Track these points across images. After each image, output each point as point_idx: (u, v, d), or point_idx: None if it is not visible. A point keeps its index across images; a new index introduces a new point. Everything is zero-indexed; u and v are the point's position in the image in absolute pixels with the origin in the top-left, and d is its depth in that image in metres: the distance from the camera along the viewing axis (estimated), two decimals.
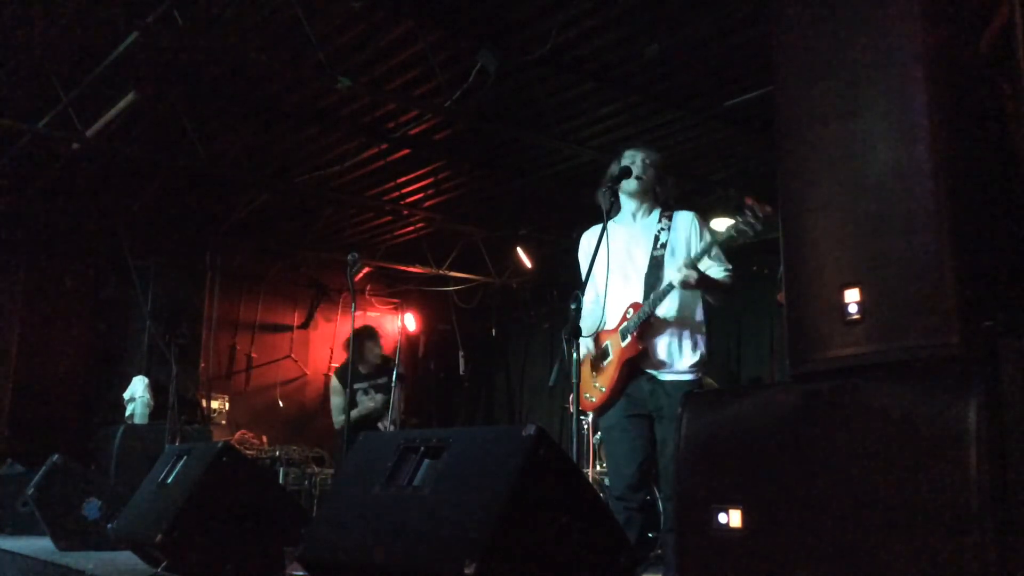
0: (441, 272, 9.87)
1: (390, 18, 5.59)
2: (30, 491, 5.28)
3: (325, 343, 10.59)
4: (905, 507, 1.59)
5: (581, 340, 3.40)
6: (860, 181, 1.85)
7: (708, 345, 3.60)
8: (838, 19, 1.93)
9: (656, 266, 3.48)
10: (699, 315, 3.57)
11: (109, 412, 8.08)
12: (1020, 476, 1.52)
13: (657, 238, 3.54)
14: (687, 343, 3.48)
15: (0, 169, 7.50)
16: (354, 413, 6.13)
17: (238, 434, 8.91)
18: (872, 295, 1.80)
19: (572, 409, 3.12)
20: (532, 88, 6.35)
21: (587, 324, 3.52)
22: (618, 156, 3.65)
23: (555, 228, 8.95)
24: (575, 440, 3.50)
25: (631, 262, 3.55)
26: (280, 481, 7.31)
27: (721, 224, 3.46)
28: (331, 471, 7.50)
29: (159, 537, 3.55)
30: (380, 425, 6.32)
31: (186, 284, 9.03)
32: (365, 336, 6.59)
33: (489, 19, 5.58)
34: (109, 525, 4.68)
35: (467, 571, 1.97)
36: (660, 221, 3.58)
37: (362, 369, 6.35)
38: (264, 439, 8.95)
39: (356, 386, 6.24)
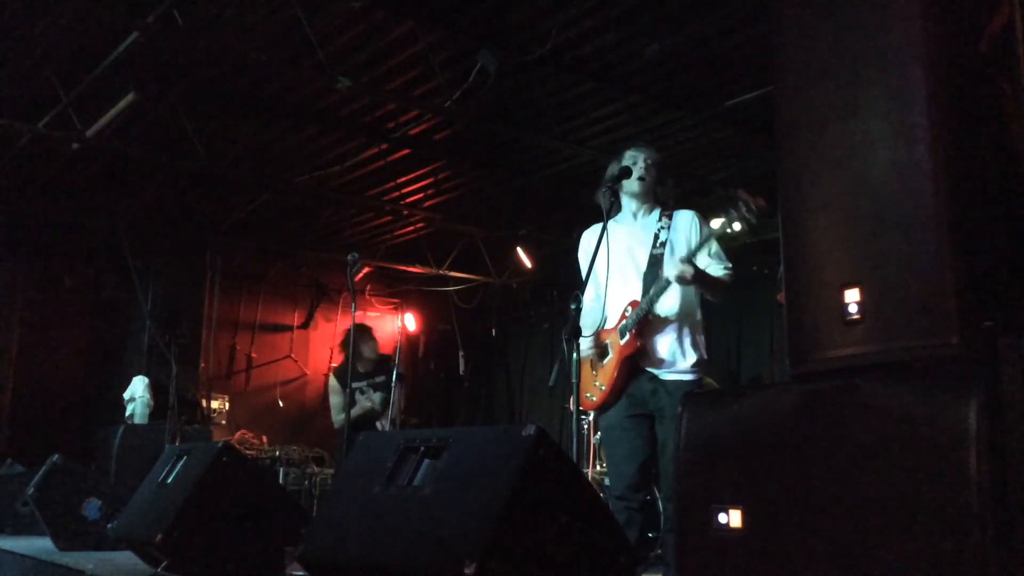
0: (441, 272, 9.87)
1: (390, 18, 5.59)
2: (30, 491, 5.28)
3: (325, 343, 10.59)
4: (905, 507, 1.59)
5: (582, 339, 3.41)
6: (860, 181, 1.85)
7: (708, 345, 3.60)
8: (838, 19, 1.93)
9: (655, 264, 3.49)
10: (699, 315, 3.58)
11: (109, 412, 8.08)
12: (1020, 476, 1.52)
13: (657, 236, 3.55)
14: (688, 342, 3.48)
15: (0, 169, 7.50)
16: (352, 413, 6.13)
17: (238, 434, 8.92)
18: (872, 295, 1.80)
19: (572, 409, 3.12)
20: (532, 88, 6.35)
21: (587, 323, 3.52)
22: (618, 156, 3.65)
23: (555, 228, 8.95)
24: (575, 440, 3.51)
25: (631, 261, 3.56)
26: (280, 481, 7.31)
27: (718, 221, 3.46)
28: (331, 471, 7.50)
29: (159, 537, 3.55)
30: (378, 424, 6.31)
31: (186, 284, 9.03)
32: (358, 334, 6.58)
33: (489, 19, 5.58)
34: (109, 525, 4.68)
35: (467, 571, 1.97)
36: (660, 220, 3.59)
37: (359, 368, 6.34)
38: (264, 439, 8.95)
39: (354, 385, 6.24)
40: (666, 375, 3.44)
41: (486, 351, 10.99)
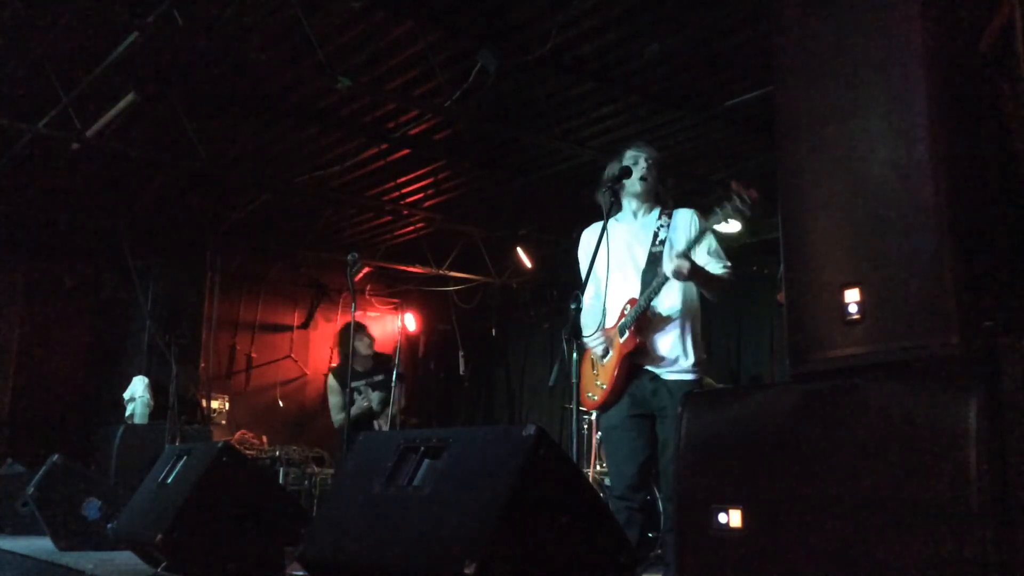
0: (441, 272, 9.87)
1: (390, 18, 5.59)
2: (30, 491, 5.28)
3: (325, 343, 10.58)
4: (905, 507, 1.59)
5: (589, 337, 3.41)
6: (860, 181, 1.85)
7: (708, 344, 3.60)
8: (838, 19, 1.94)
9: (654, 262, 3.49)
10: (699, 312, 3.58)
11: (109, 412, 8.08)
12: (1020, 476, 1.52)
13: (656, 234, 3.55)
14: (688, 341, 3.48)
15: (0, 169, 7.50)
16: (341, 422, 6.12)
17: (238, 434, 8.92)
18: (872, 295, 1.80)
19: (572, 408, 3.12)
20: (532, 88, 6.35)
21: (588, 322, 3.53)
22: (619, 155, 3.65)
23: (555, 228, 8.95)
24: (575, 440, 3.51)
25: (631, 259, 3.56)
26: (280, 481, 7.31)
27: (713, 216, 3.45)
28: (331, 471, 7.50)
29: (159, 537, 3.55)
30: (375, 424, 6.30)
31: (186, 284, 9.03)
32: (351, 331, 6.55)
33: (489, 19, 5.57)
34: (109, 525, 4.69)
35: (467, 571, 1.97)
36: (660, 218, 3.59)
37: (357, 367, 6.32)
38: (264, 439, 8.95)
39: (352, 385, 6.22)
40: (667, 374, 3.44)
41: (486, 351, 11.00)
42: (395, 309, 11.24)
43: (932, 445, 1.59)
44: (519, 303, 10.51)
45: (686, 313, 3.50)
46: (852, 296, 1.83)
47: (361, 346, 6.40)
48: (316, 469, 7.75)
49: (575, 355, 3.20)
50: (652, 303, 3.45)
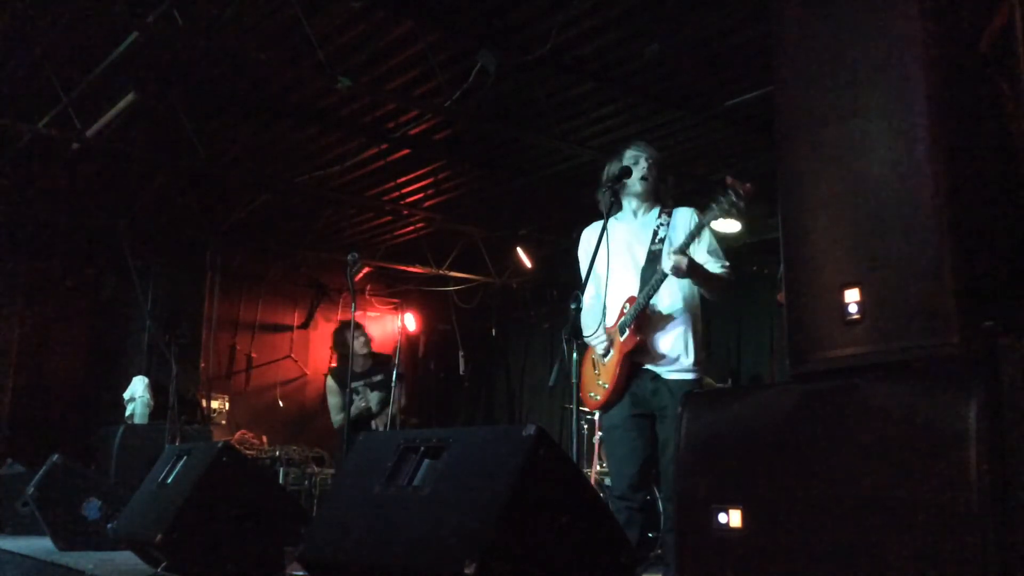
0: (441, 272, 9.87)
1: (390, 18, 5.59)
2: (30, 491, 5.28)
3: (325, 343, 10.57)
4: (905, 507, 1.59)
5: (585, 340, 3.41)
6: (860, 181, 1.85)
7: (708, 343, 3.61)
8: (838, 19, 1.93)
9: (653, 260, 3.49)
10: (699, 311, 3.58)
11: (109, 412, 8.08)
12: (1020, 476, 1.52)
13: (656, 233, 3.55)
14: (688, 339, 3.48)
15: (0, 169, 7.50)
16: (340, 422, 6.11)
17: (238, 434, 8.92)
18: (872, 295, 1.80)
19: (572, 408, 3.12)
20: (532, 88, 6.35)
21: (588, 321, 3.53)
22: (619, 155, 3.65)
23: (555, 228, 8.95)
24: (575, 440, 3.51)
25: (631, 257, 3.56)
26: (280, 481, 7.31)
27: (720, 224, 3.45)
28: (331, 471, 7.50)
29: (159, 537, 3.55)
30: (373, 424, 6.29)
31: (186, 284, 9.03)
32: (347, 330, 6.53)
33: (489, 19, 5.58)
34: (109, 525, 4.68)
35: (467, 571, 1.97)
36: (660, 217, 3.59)
37: (355, 367, 6.29)
38: (264, 439, 8.96)
39: (350, 385, 6.20)
40: (668, 374, 3.44)
41: (486, 351, 11.00)
42: (395, 309, 11.24)
43: (932, 445, 1.59)
44: (519, 303, 10.51)
45: (687, 311, 3.50)
46: (852, 296, 1.83)
47: (357, 345, 6.37)
48: (316, 469, 7.75)
49: (575, 355, 3.20)
50: (652, 301, 3.45)
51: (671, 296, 3.49)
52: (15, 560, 4.86)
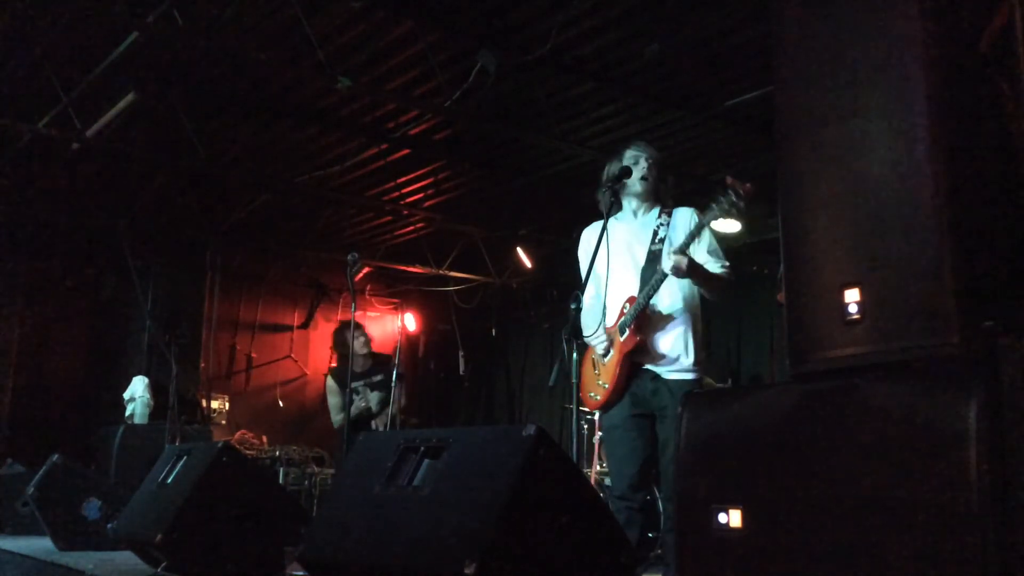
0: (441, 272, 9.87)
1: (390, 18, 5.59)
2: (30, 491, 5.28)
3: (325, 343, 10.57)
4: (905, 507, 1.59)
5: (585, 340, 3.41)
6: (860, 181, 1.85)
7: (708, 343, 3.61)
8: (838, 19, 1.94)
9: (653, 260, 3.49)
10: (699, 311, 3.58)
11: (109, 412, 8.08)
12: (1020, 476, 1.52)
13: (656, 233, 3.55)
14: (688, 339, 3.48)
15: (0, 169, 7.50)
16: (340, 423, 6.10)
17: (238, 434, 8.92)
18: (872, 295, 1.80)
19: (572, 408, 3.12)
20: (532, 88, 6.35)
21: (588, 321, 3.53)
22: (618, 155, 3.65)
23: (555, 228, 8.95)
24: (575, 440, 3.51)
25: (631, 257, 3.56)
26: (280, 481, 7.31)
27: (720, 224, 3.45)
28: (331, 471, 7.49)
29: (159, 537, 3.55)
30: (373, 424, 6.28)
31: (186, 284, 9.03)
32: (347, 330, 6.51)
33: (489, 19, 5.58)
34: (109, 525, 4.68)
35: (467, 571, 1.97)
36: (660, 217, 3.59)
37: (355, 367, 6.28)
38: (264, 439, 8.95)
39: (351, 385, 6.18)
40: (668, 373, 3.44)
41: (486, 351, 11.00)
42: (395, 309, 11.24)
43: (932, 445, 1.59)
44: (519, 303, 10.51)
45: (687, 311, 3.50)
46: (852, 296, 1.83)
47: (357, 345, 6.36)
48: (316, 469, 7.75)
49: (575, 355, 3.20)
50: (651, 301, 3.45)
51: (671, 296, 3.49)
52: (15, 560, 4.86)
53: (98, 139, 6.66)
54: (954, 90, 1.77)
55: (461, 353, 10.92)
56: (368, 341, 6.52)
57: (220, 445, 3.94)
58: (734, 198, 3.27)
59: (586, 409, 5.29)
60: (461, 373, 10.92)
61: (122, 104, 6.20)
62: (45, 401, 8.61)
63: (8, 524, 6.42)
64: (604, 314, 3.58)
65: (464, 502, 2.20)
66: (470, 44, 5.75)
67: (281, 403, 10.22)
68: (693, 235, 3.40)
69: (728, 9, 5.31)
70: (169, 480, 3.97)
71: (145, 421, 7.51)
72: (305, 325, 10.62)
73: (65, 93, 6.20)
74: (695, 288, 3.53)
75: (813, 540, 1.71)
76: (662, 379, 3.44)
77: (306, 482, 7.56)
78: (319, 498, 7.17)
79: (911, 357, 1.72)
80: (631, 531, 3.31)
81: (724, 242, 3.56)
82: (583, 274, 3.54)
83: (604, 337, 3.53)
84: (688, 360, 3.46)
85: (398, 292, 11.10)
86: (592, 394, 3.60)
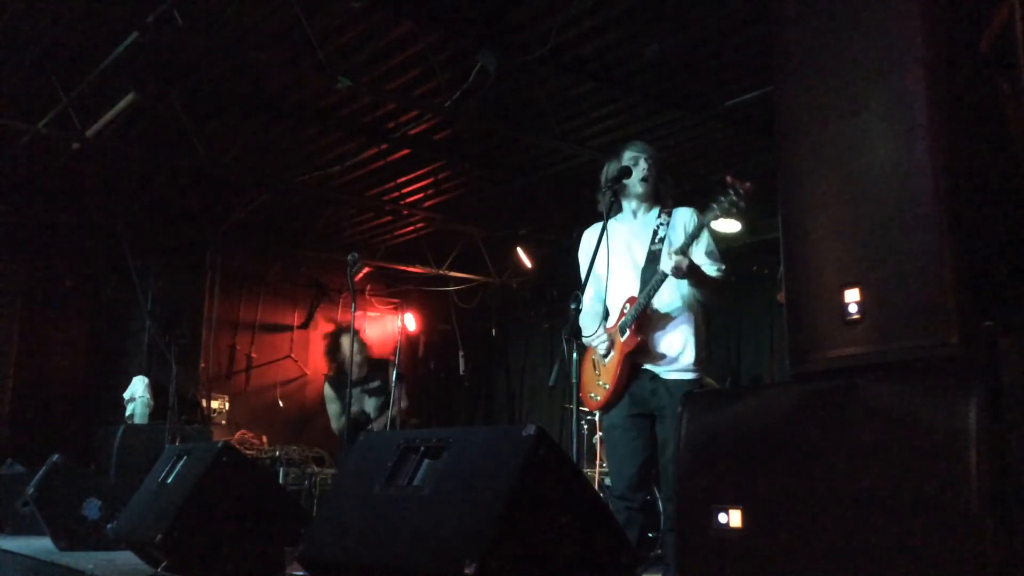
0: (441, 272, 9.87)
1: (390, 18, 5.58)
2: (30, 491, 5.28)
3: (329, 331, 10.56)
4: (905, 507, 1.59)
5: (585, 340, 3.41)
6: (860, 181, 1.85)
7: (709, 343, 3.60)
8: (838, 19, 1.94)
9: (653, 260, 3.49)
10: (700, 311, 3.57)
11: (109, 412, 8.08)
12: (1020, 476, 1.52)
13: (656, 233, 3.55)
14: (688, 339, 3.48)
15: (0, 169, 7.50)
16: (342, 422, 6.08)
17: (238, 434, 8.91)
18: (872, 295, 1.80)
19: (572, 408, 3.12)
20: (532, 88, 6.35)
21: (587, 322, 3.53)
22: (617, 155, 3.65)
23: (555, 228, 8.95)
24: (575, 440, 3.51)
25: (630, 258, 3.56)
26: (280, 481, 7.31)
27: (720, 224, 3.45)
28: (331, 471, 7.49)
29: (159, 537, 3.55)
30: (372, 427, 6.27)
31: (186, 284, 9.02)
32: (338, 336, 6.49)
33: (489, 19, 5.57)
34: (109, 525, 4.68)
35: (467, 571, 1.97)
36: (660, 217, 3.59)
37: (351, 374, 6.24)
38: (264, 439, 8.95)
39: (344, 395, 6.13)
40: (667, 374, 3.44)
41: (486, 351, 10.99)
42: (395, 309, 11.24)
43: (932, 445, 1.59)
44: (519, 303, 10.50)
45: (687, 311, 3.50)
46: (852, 296, 1.83)
47: (352, 350, 6.32)
48: (316, 469, 7.74)
49: (575, 355, 3.20)
50: (652, 301, 3.45)
51: (672, 296, 3.49)
52: (15, 560, 4.86)
53: (98, 139, 6.66)
54: (954, 90, 1.77)
55: (461, 353, 10.91)
56: (364, 347, 6.49)
57: (220, 445, 3.94)
58: (734, 197, 3.27)
59: (586, 409, 5.29)
60: (461, 373, 10.92)
61: (122, 104, 6.20)
62: (45, 401, 8.61)
63: (8, 524, 6.42)
64: (607, 315, 3.58)
65: (464, 502, 2.20)
66: (470, 44, 5.75)
67: (281, 403, 10.22)
68: (694, 235, 3.40)
69: (728, 9, 5.31)
70: (169, 480, 3.97)
71: (145, 421, 7.50)
72: (305, 325, 10.62)
73: (65, 93, 6.20)
74: (695, 288, 3.53)
75: (813, 540, 1.71)
76: (661, 379, 3.44)
77: (306, 482, 7.55)
78: (319, 498, 7.16)
79: (911, 357, 1.72)
80: (631, 531, 3.31)
81: (724, 242, 3.56)
82: (583, 275, 3.54)
83: (605, 338, 3.53)
84: (688, 360, 3.46)
85: (398, 292, 11.10)
86: (592, 395, 3.60)
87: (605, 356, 3.55)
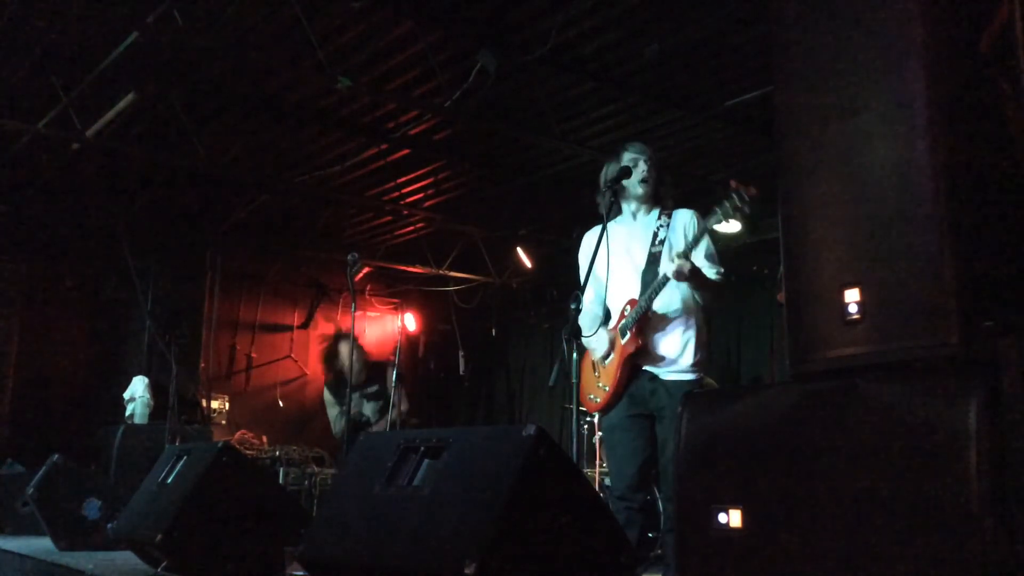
0: (441, 272, 9.87)
1: (390, 18, 5.58)
2: (30, 491, 5.28)
3: (327, 336, 10.56)
4: (905, 507, 1.59)
5: (584, 341, 3.40)
6: (860, 181, 1.85)
7: (709, 344, 3.60)
8: (838, 19, 1.94)
9: (654, 262, 3.49)
10: (701, 312, 3.57)
11: (109, 412, 8.08)
12: (1020, 476, 1.52)
13: (656, 235, 3.55)
14: (688, 340, 3.48)
15: (0, 169, 7.50)
16: (340, 426, 6.08)
17: (238, 434, 8.90)
18: (872, 295, 1.80)
19: (572, 408, 3.12)
20: (532, 88, 6.35)
21: (587, 323, 3.53)
22: (616, 156, 3.64)
23: (555, 228, 8.95)
24: (575, 440, 3.51)
25: (630, 260, 3.56)
26: (280, 481, 7.31)
27: (721, 224, 3.45)
28: (331, 471, 7.49)
29: (159, 537, 3.55)
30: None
31: (186, 284, 9.02)
32: (336, 343, 6.49)
33: (489, 19, 5.57)
34: (109, 525, 4.69)
35: (467, 571, 1.97)
36: (660, 219, 3.59)
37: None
38: (264, 439, 8.94)
39: (343, 401, 6.13)
40: (666, 374, 3.44)
41: (486, 351, 10.99)
42: (395, 309, 11.23)
43: (932, 445, 1.59)
44: (519, 303, 10.50)
45: (686, 313, 3.50)
46: (852, 296, 1.83)
47: (352, 357, 6.30)
48: (316, 469, 7.73)
49: (575, 355, 3.20)
50: (652, 304, 3.45)
51: (672, 298, 3.49)
52: (15, 560, 4.86)
53: (98, 139, 6.66)
54: (954, 90, 1.77)
55: (461, 353, 10.91)
56: (363, 353, 6.49)
57: (220, 445, 3.94)
58: (738, 202, 3.26)
59: (587, 411, 5.29)
60: (461, 373, 10.92)
61: (122, 104, 6.19)
62: (45, 401, 8.60)
63: (8, 524, 6.41)
64: (608, 317, 3.58)
65: (464, 502, 2.20)
66: (470, 44, 5.75)
67: (281, 403, 10.21)
68: (697, 239, 3.39)
69: (728, 9, 5.31)
70: (169, 480, 3.97)
71: (145, 421, 7.50)
72: (305, 325, 10.62)
73: (65, 93, 6.20)
74: (695, 290, 3.53)
75: (813, 540, 1.71)
76: (660, 379, 3.44)
77: (306, 482, 7.54)
78: (319, 498, 7.16)
79: (911, 357, 1.72)
80: (631, 531, 3.31)
81: (723, 242, 3.55)
82: (583, 278, 3.54)
83: (605, 340, 3.53)
84: (687, 361, 3.46)
85: (398, 292, 11.09)
86: (592, 396, 3.59)
87: (605, 358, 3.55)
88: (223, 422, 9.26)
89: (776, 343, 7.63)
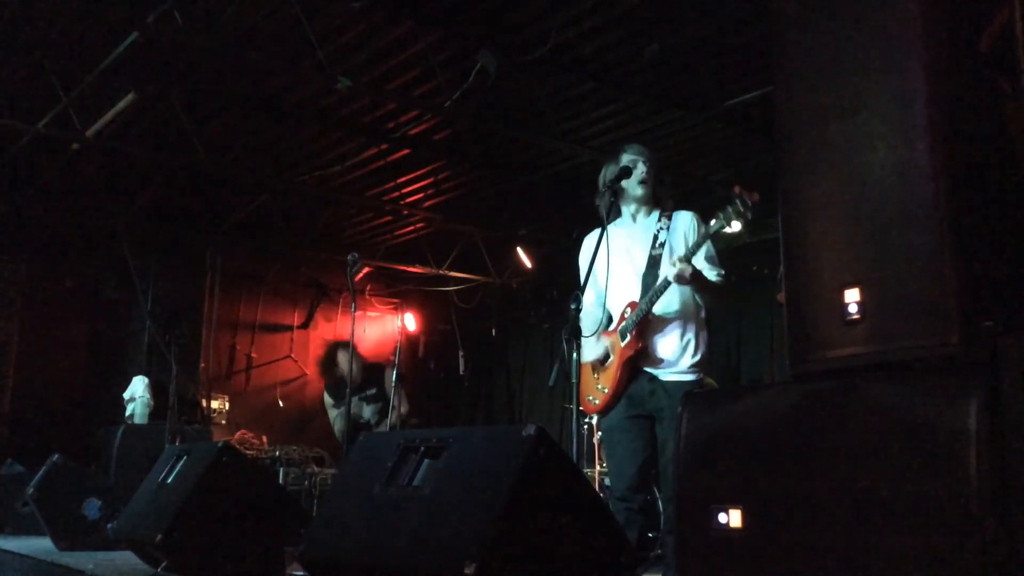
0: (441, 272, 9.87)
1: (390, 18, 5.58)
2: (30, 491, 5.28)
3: (325, 343, 10.57)
4: (905, 507, 1.59)
5: (584, 341, 3.40)
6: (860, 181, 1.85)
7: (709, 345, 3.60)
8: (838, 19, 1.94)
9: (654, 265, 3.48)
10: (701, 314, 3.57)
11: (109, 412, 8.08)
12: (1020, 476, 1.52)
13: (656, 237, 3.54)
14: (688, 341, 3.48)
15: (0, 169, 7.50)
16: (339, 428, 6.08)
17: (238, 434, 8.90)
18: (872, 295, 1.80)
19: (572, 408, 3.12)
20: (532, 88, 6.34)
21: (587, 324, 3.53)
22: (615, 157, 3.63)
23: (555, 228, 8.95)
24: (575, 440, 3.51)
25: (630, 262, 3.55)
26: (280, 481, 7.31)
27: (715, 221, 3.44)
28: (331, 471, 7.49)
29: (159, 537, 3.55)
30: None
31: (186, 284, 9.02)
32: (333, 351, 6.48)
33: (489, 19, 5.57)
34: (109, 525, 4.69)
35: (467, 571, 1.97)
36: (659, 221, 3.58)
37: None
38: (264, 439, 8.94)
39: (342, 404, 6.14)
40: (665, 375, 3.44)
41: (486, 351, 10.99)
42: (395, 309, 11.23)
43: (932, 445, 1.59)
44: (519, 303, 10.50)
45: (686, 314, 3.50)
46: (852, 296, 1.83)
47: (351, 366, 6.30)
48: (316, 469, 7.73)
49: (575, 355, 3.20)
50: (653, 307, 3.45)
51: (672, 300, 3.48)
52: (15, 560, 4.86)
53: (98, 139, 6.66)
54: (954, 90, 1.77)
55: (461, 353, 10.91)
56: (361, 359, 6.49)
57: (220, 445, 3.94)
58: (741, 207, 3.26)
59: (586, 412, 5.29)
60: (461, 373, 10.91)
61: (122, 104, 6.19)
62: (45, 401, 8.60)
63: (8, 524, 6.42)
64: (609, 319, 3.58)
65: (464, 502, 2.20)
66: (470, 44, 5.75)
67: (281, 403, 10.21)
68: (699, 244, 3.39)
69: (728, 9, 5.31)
70: (169, 480, 3.97)
71: (145, 421, 7.50)
72: (305, 325, 10.62)
73: (65, 93, 6.19)
74: (695, 291, 3.52)
75: (813, 540, 1.71)
76: (659, 380, 3.43)
77: (306, 482, 7.54)
78: (319, 498, 7.16)
79: (911, 357, 1.72)
80: (631, 532, 3.31)
81: (723, 242, 3.55)
82: (582, 281, 3.53)
83: (598, 346, 3.53)
84: (687, 362, 3.46)
85: (398, 292, 11.09)
86: (590, 398, 3.59)
87: (604, 361, 3.55)
88: (223, 422, 9.26)
89: (776, 343, 7.63)
